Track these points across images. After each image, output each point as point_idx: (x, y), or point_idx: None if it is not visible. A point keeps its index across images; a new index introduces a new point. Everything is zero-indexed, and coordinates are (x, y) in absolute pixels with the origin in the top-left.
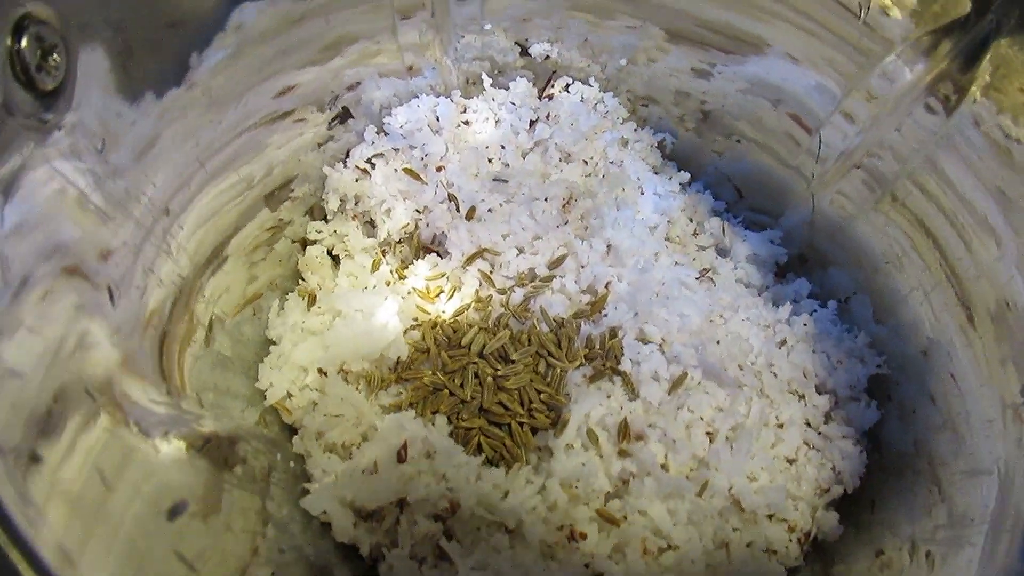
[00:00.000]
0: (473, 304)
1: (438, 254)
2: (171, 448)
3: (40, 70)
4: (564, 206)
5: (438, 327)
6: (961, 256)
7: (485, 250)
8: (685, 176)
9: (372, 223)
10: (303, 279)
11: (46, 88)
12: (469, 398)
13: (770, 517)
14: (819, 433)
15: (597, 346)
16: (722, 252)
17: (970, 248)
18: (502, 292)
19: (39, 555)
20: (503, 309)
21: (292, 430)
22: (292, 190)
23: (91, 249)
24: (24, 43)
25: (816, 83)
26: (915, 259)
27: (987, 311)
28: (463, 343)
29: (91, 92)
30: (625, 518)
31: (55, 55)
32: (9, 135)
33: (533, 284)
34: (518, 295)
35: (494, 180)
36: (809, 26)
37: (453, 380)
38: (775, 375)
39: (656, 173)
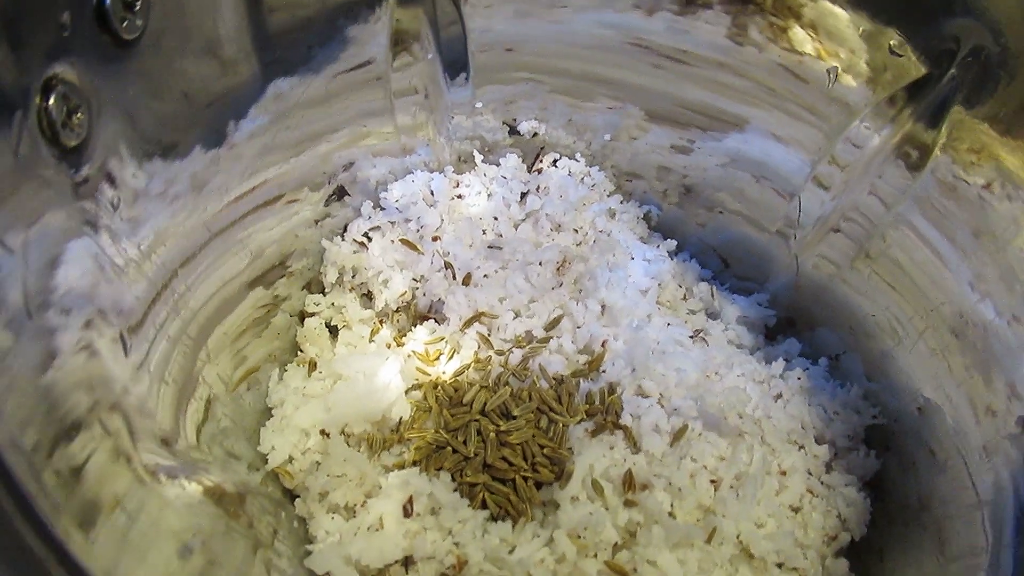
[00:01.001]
0: (473, 365)
1: (436, 320)
2: (181, 491)
3: (65, 127)
4: (558, 269)
5: (439, 387)
6: (941, 303)
7: (482, 314)
8: (672, 244)
9: (369, 295)
10: (302, 350)
11: (69, 144)
12: (472, 454)
13: (780, 566)
14: (821, 482)
15: (597, 401)
16: (712, 316)
17: (948, 296)
18: (500, 353)
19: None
20: (502, 369)
21: (293, 496)
22: (289, 266)
23: (106, 300)
24: (52, 101)
25: (790, 153)
26: (896, 312)
27: (973, 352)
28: (464, 401)
29: (108, 150)
30: (635, 570)
31: (79, 114)
32: (34, 186)
33: (531, 345)
34: (517, 356)
35: (489, 247)
36: (779, 101)
37: (456, 437)
38: (774, 426)
39: (644, 243)
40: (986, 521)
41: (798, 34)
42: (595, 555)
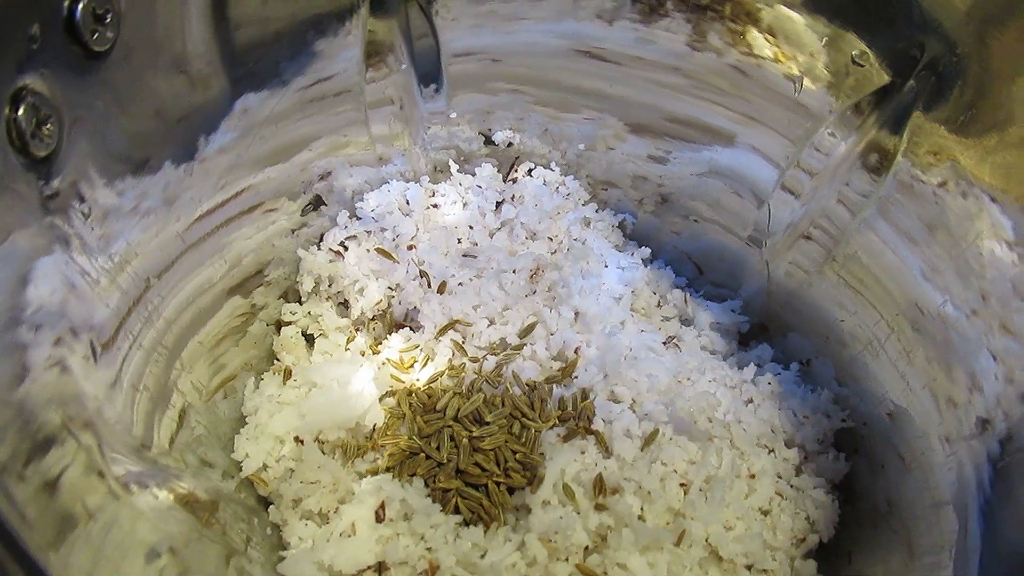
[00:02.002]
0: (447, 372)
1: (411, 328)
2: (153, 500)
3: (34, 137)
4: (532, 276)
5: (413, 394)
6: (904, 306)
7: (457, 321)
8: (646, 251)
9: (346, 304)
10: (278, 359)
11: (39, 154)
12: (445, 460)
13: (749, 568)
14: (791, 485)
15: (570, 407)
16: (686, 322)
17: (910, 295)
18: (475, 360)
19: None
20: (476, 375)
21: (267, 503)
22: (266, 275)
23: (78, 315)
24: (21, 111)
25: (760, 162)
26: (864, 317)
27: (934, 347)
28: (438, 407)
29: (79, 162)
30: (605, 573)
31: (49, 125)
32: (5, 201)
33: (505, 353)
34: (491, 362)
35: (463, 256)
36: (750, 110)
37: (429, 443)
38: (744, 430)
39: (619, 251)
40: (951, 519)
41: (761, 43)
42: (566, 559)
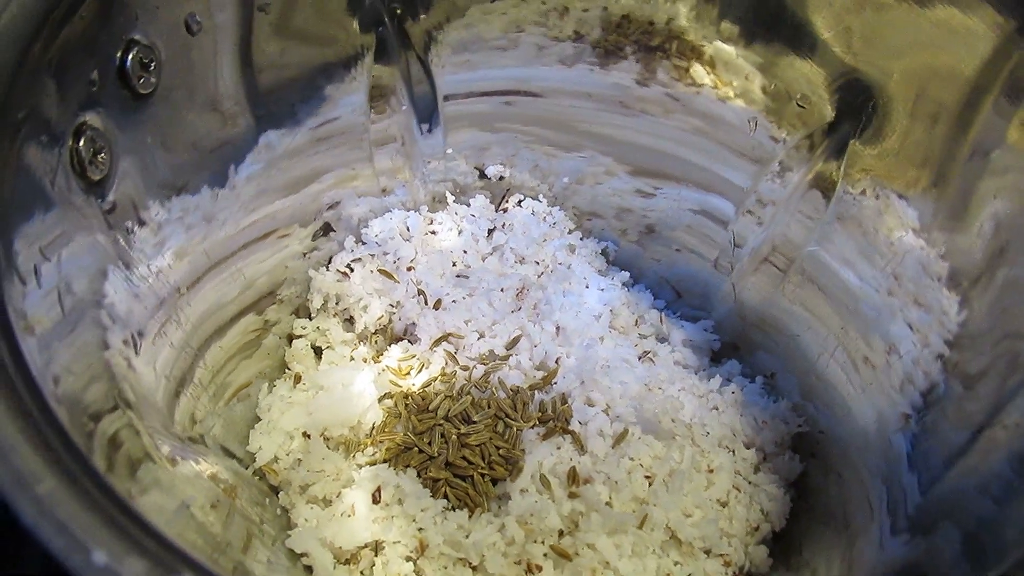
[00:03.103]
0: (440, 378)
1: (409, 341)
2: (191, 466)
3: (91, 164)
4: (518, 295)
5: (409, 397)
6: (847, 317)
7: (450, 334)
8: (626, 275)
9: (351, 319)
10: (289, 368)
11: (94, 179)
12: (436, 454)
13: (707, 552)
14: (748, 481)
15: (549, 410)
16: (662, 340)
17: (850, 303)
18: (465, 369)
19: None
20: (466, 382)
21: (277, 490)
22: (279, 294)
23: (121, 306)
24: (81, 143)
25: (724, 192)
26: (816, 328)
27: (883, 355)
28: (430, 408)
29: (128, 185)
30: (576, 553)
31: (103, 154)
32: (68, 212)
33: (493, 363)
34: (479, 370)
35: (457, 277)
36: (714, 146)
37: (422, 439)
38: (707, 433)
39: (601, 275)
40: (880, 515)
41: (714, 83)
42: (542, 541)
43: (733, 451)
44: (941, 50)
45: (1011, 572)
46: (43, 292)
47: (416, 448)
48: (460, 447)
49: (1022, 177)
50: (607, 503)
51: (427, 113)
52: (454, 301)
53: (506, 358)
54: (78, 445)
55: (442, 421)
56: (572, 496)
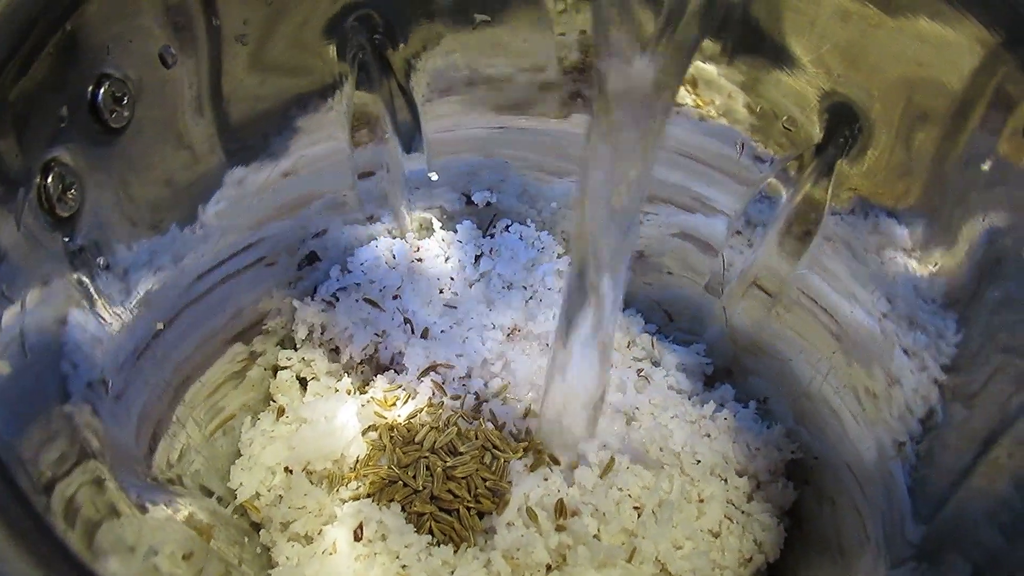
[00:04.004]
0: (426, 408)
1: (395, 371)
2: (162, 511)
3: (60, 201)
4: (508, 336)
5: (394, 429)
6: (843, 344)
7: (438, 364)
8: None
9: (336, 350)
10: (274, 400)
11: (63, 215)
12: (421, 487)
13: None
14: (741, 511)
15: (536, 440)
16: (655, 363)
17: (850, 340)
18: (456, 399)
19: None
20: (452, 412)
21: (259, 527)
22: (264, 324)
23: (86, 351)
24: (50, 179)
25: (716, 216)
26: (809, 352)
27: (879, 383)
28: (416, 440)
29: (99, 223)
30: None
31: (73, 190)
32: (35, 252)
33: (482, 392)
34: (468, 401)
35: (445, 306)
36: (705, 169)
37: (407, 472)
38: (698, 461)
39: None
40: (878, 543)
41: (706, 107)
42: (528, 575)
43: (725, 479)
44: (926, 67)
45: None
46: (5, 339)
47: (401, 482)
48: (446, 480)
49: (1014, 190)
50: (595, 535)
51: (411, 140)
52: (442, 331)
53: (498, 392)
54: (36, 508)
55: (427, 453)
56: (559, 529)
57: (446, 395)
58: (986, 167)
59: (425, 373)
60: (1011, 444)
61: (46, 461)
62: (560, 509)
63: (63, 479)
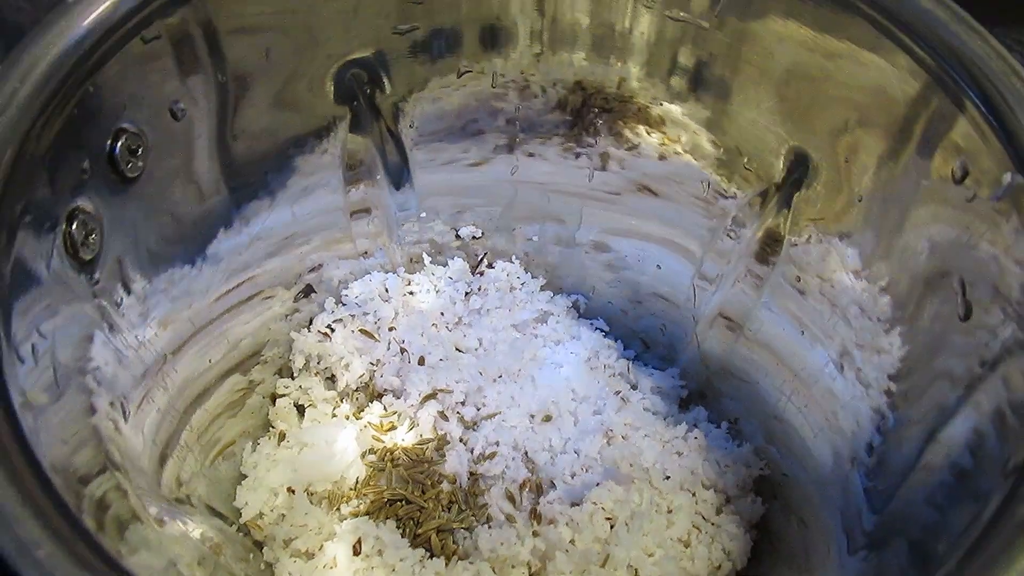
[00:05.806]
0: (423, 433)
1: (394, 395)
2: (178, 527)
3: (83, 246)
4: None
5: (392, 451)
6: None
7: (439, 391)
8: (601, 323)
9: (333, 378)
10: (273, 426)
11: (86, 259)
12: (424, 504)
13: None
14: (711, 523)
15: None
16: (633, 387)
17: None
18: (460, 420)
19: None
20: (447, 436)
21: (261, 545)
22: (262, 355)
23: (107, 373)
24: (74, 227)
25: (686, 251)
26: (773, 376)
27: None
28: (415, 461)
29: (116, 261)
30: None
31: (94, 235)
32: (62, 291)
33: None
34: (462, 426)
35: (436, 335)
36: (675, 211)
37: (407, 488)
38: (668, 477)
39: (574, 338)
40: (839, 545)
41: (672, 148)
42: (512, 566)
43: (693, 493)
44: (864, 110)
45: (956, 571)
46: (40, 369)
47: (399, 501)
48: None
49: (947, 207)
50: (571, 541)
51: (400, 180)
52: (440, 359)
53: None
54: (71, 508)
55: (423, 476)
56: (535, 535)
57: (447, 420)
58: (925, 184)
59: (426, 400)
60: (948, 438)
61: (79, 463)
62: (536, 516)
63: (94, 479)
